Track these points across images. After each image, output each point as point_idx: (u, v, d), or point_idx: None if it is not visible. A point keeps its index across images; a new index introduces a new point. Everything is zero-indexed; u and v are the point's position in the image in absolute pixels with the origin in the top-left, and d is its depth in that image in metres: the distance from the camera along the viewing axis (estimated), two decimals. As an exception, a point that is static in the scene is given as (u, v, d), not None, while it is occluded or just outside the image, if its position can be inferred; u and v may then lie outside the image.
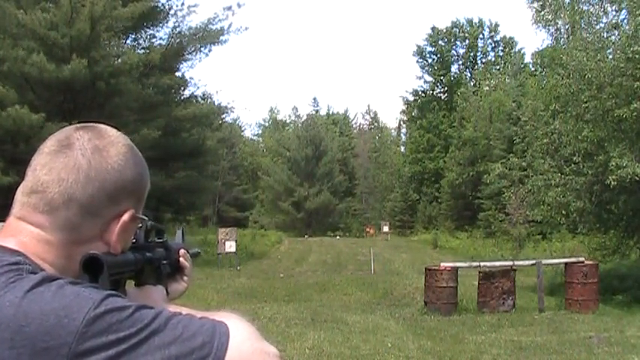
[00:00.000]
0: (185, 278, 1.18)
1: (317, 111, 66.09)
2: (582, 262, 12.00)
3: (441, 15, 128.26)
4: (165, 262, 1.09)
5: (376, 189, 57.52)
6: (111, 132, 0.93)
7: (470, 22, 53.79)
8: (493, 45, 54.15)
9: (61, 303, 0.72)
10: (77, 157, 0.86)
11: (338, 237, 40.22)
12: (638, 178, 12.05)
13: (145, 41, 23.67)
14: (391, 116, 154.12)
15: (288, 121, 70.10)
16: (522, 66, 42.21)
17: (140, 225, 0.99)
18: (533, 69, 39.80)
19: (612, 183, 12.29)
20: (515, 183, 25.65)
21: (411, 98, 56.09)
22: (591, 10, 17.25)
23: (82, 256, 0.84)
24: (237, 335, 0.77)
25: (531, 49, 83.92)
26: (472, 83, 49.40)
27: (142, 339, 0.72)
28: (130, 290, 0.99)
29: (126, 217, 0.90)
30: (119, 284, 0.93)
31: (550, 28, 24.62)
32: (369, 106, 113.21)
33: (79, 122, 0.99)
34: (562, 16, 22.11)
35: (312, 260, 24.11)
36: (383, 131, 71.93)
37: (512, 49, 52.40)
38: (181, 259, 1.17)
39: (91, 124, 0.93)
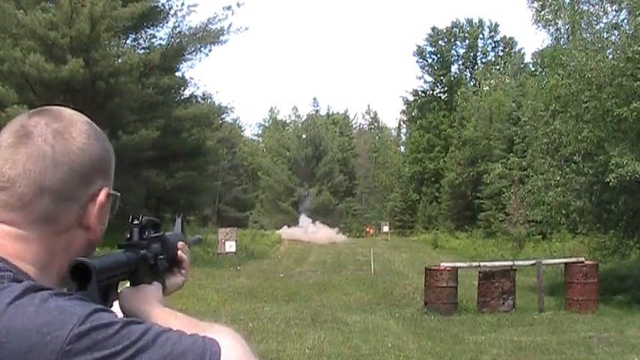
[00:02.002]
0: (183, 271, 1.14)
1: (317, 111, 66.17)
2: (582, 262, 12.00)
3: (441, 15, 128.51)
4: (162, 256, 1.05)
5: (376, 189, 57.56)
6: (65, 112, 0.89)
7: (470, 22, 53.80)
8: (493, 45, 54.20)
9: (45, 319, 0.69)
10: (39, 144, 0.82)
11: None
12: (638, 177, 12.04)
13: (145, 41, 23.69)
14: (391, 116, 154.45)
15: (288, 121, 70.18)
16: (522, 66, 42.15)
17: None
18: (533, 69, 39.79)
19: (612, 182, 12.28)
20: (515, 183, 25.66)
21: (411, 98, 56.14)
22: (591, 10, 17.25)
23: (67, 258, 0.82)
24: (229, 355, 0.75)
25: (531, 49, 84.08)
26: (472, 83, 49.39)
27: (129, 357, 0.70)
28: (124, 291, 0.96)
29: (102, 196, 0.88)
30: (111, 288, 0.90)
31: (550, 28, 24.66)
32: (369, 106, 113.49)
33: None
34: (562, 16, 22.14)
35: (312, 260, 24.11)
36: (383, 131, 71.97)
37: (512, 49, 52.40)
38: (179, 252, 1.13)
39: (43, 107, 0.89)
